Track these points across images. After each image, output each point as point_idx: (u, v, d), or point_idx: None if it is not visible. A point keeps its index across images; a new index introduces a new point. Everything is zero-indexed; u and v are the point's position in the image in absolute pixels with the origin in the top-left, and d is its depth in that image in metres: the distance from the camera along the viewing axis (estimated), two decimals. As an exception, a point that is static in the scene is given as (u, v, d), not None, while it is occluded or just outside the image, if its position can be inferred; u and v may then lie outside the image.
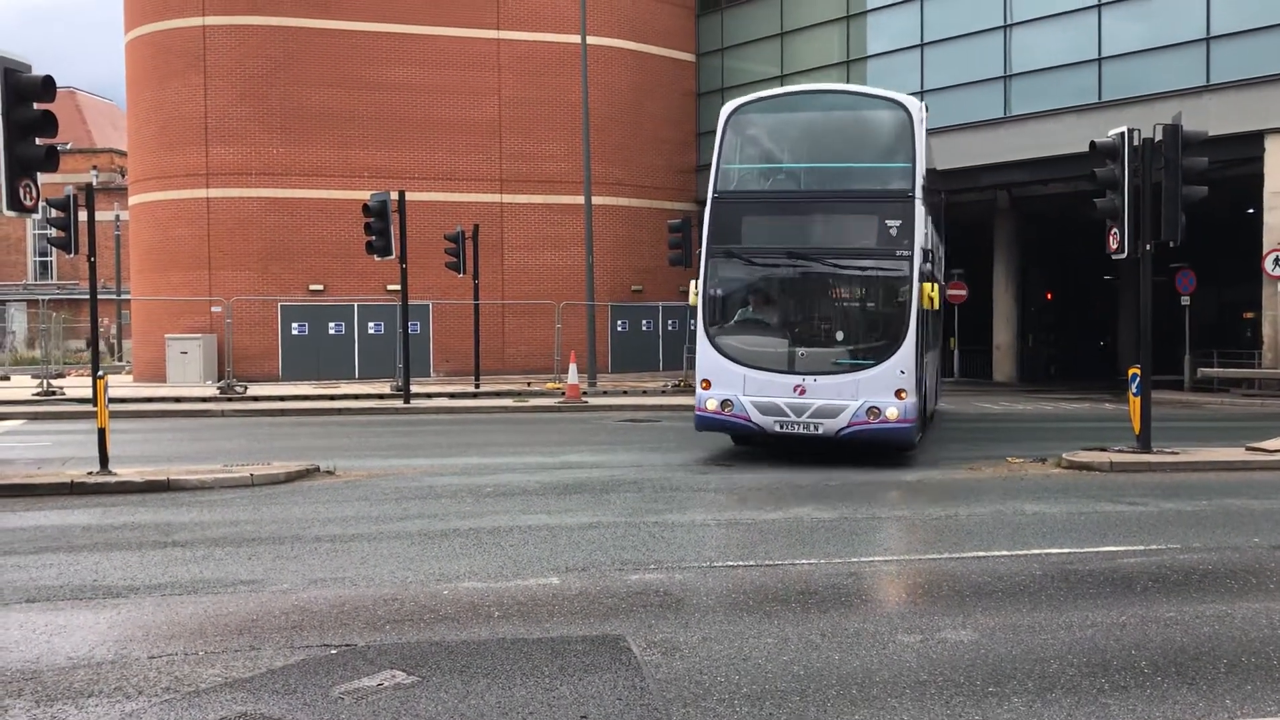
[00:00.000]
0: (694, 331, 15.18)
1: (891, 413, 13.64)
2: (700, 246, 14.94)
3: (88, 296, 24.37)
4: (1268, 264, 26.08)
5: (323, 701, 5.33)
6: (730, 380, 14.29)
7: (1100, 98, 28.58)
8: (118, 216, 43.63)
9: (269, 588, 7.56)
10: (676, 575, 7.93)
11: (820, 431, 13.86)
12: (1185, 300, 30.67)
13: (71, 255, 23.64)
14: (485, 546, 8.98)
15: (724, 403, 14.29)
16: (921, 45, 32.58)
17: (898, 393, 13.67)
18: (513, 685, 5.52)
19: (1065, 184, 30.00)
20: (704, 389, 14.54)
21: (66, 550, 8.87)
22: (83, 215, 22.50)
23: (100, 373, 14.62)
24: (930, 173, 16.45)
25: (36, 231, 53.08)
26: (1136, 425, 14.60)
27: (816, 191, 15.17)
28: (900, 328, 13.89)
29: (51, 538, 9.44)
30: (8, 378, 33.01)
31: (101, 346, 47.31)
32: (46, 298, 50.14)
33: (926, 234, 14.43)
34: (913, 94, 31.88)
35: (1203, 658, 6.00)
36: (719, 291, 14.78)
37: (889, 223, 13.99)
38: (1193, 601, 7.22)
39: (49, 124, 11.85)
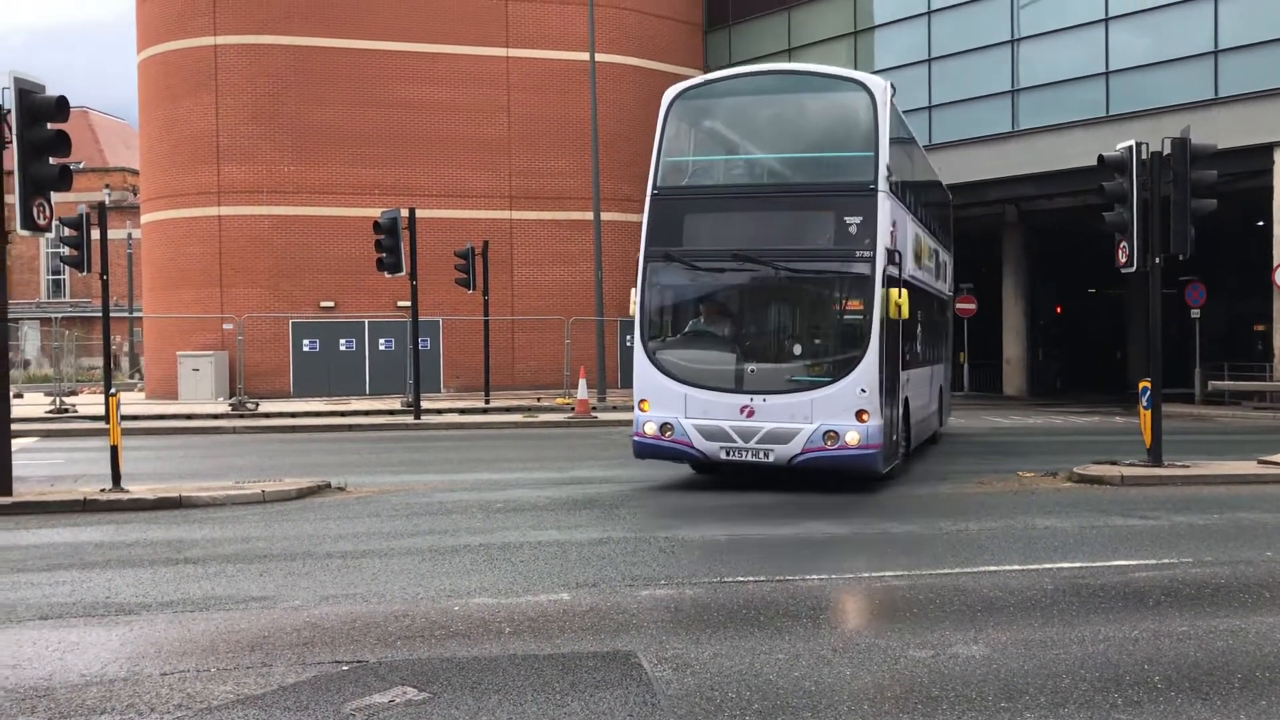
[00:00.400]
0: None
1: (851, 437, 12.14)
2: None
3: (100, 314, 24.50)
4: (1278, 276, 26.01)
5: (334, 718, 5.34)
6: (670, 401, 12.84)
7: (1108, 111, 28.58)
8: (130, 235, 43.85)
9: (280, 604, 7.58)
10: (687, 591, 7.93)
11: (771, 459, 12.43)
12: (1195, 313, 30.59)
13: (84, 273, 23.79)
14: (496, 562, 8.98)
15: (664, 426, 12.86)
16: (929, 60, 32.64)
17: (858, 414, 12.16)
18: (524, 702, 5.52)
19: (1073, 198, 30.00)
20: (642, 410, 13.10)
21: (79, 567, 8.90)
22: (95, 234, 22.62)
23: (112, 390, 14.68)
24: (905, 163, 15.23)
25: (50, 250, 53.35)
26: (1147, 439, 14.55)
27: (764, 185, 13.77)
28: (861, 340, 12.36)
29: (64, 555, 9.47)
30: (21, 395, 33.12)
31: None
32: (59, 316, 50.34)
33: (893, 233, 12.92)
34: (920, 109, 32.49)
35: (1216, 673, 5.98)
36: (657, 300, 13.35)
37: (848, 219, 12.45)
38: (1206, 616, 7.18)
39: (62, 144, 11.95)
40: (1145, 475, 14.02)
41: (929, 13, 32.59)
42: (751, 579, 8.33)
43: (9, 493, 12.15)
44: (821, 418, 12.24)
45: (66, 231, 22.40)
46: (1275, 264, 26.11)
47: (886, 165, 12.64)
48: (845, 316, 12.87)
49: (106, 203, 35.44)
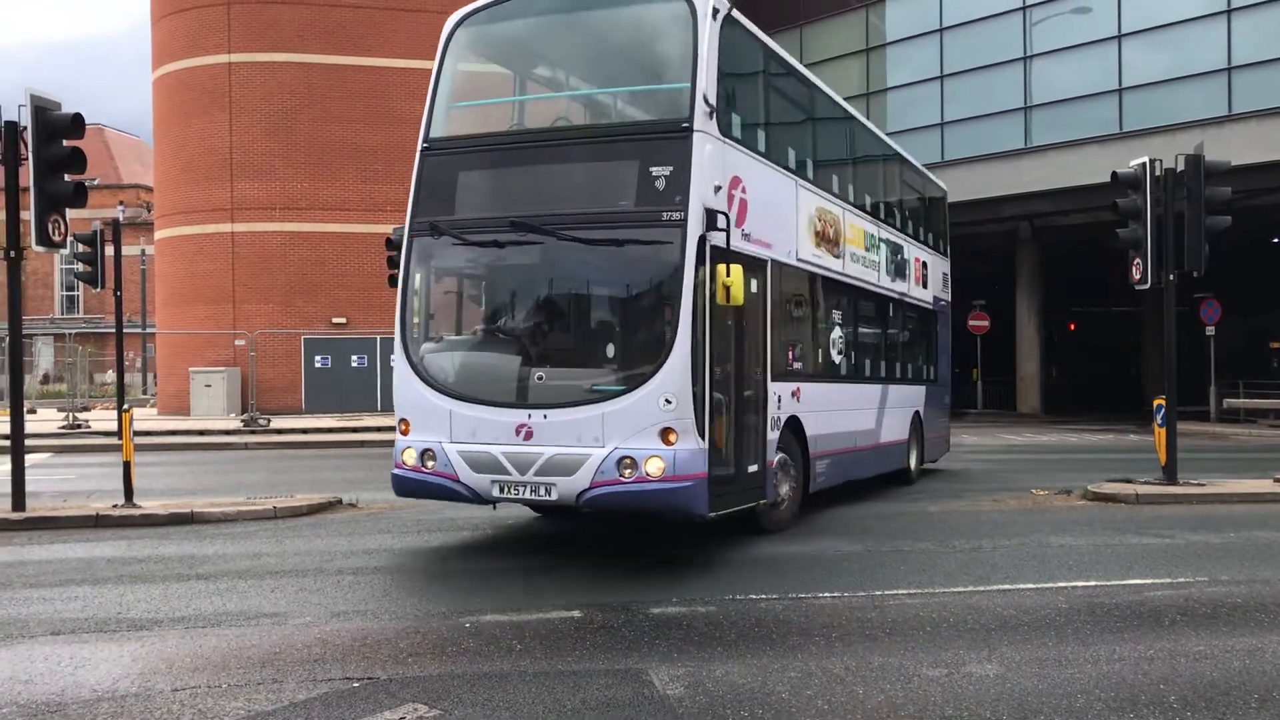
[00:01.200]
0: None
1: (653, 466, 8.90)
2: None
3: (114, 330, 24.61)
4: (1293, 293, 25.91)
5: (345, 735, 5.32)
6: (434, 420, 9.69)
7: (1121, 128, 28.57)
8: (144, 251, 44.13)
9: (291, 620, 7.57)
10: (699, 608, 7.89)
11: (554, 496, 9.26)
12: (1210, 330, 30.47)
13: (98, 290, 23.87)
14: (508, 578, 8.96)
15: (425, 453, 9.72)
16: (941, 77, 32.69)
17: (664, 434, 8.94)
18: (534, 719, 5.49)
19: (1087, 214, 29.96)
20: (402, 434, 9.96)
21: (91, 583, 8.91)
22: (109, 250, 22.70)
23: (125, 406, 14.73)
24: (784, 106, 12.40)
25: (64, 266, 53.75)
26: (1162, 456, 14.48)
27: (552, 131, 10.58)
28: (665, 333, 9.14)
29: (76, 570, 9.49)
30: (34, 411, 33.26)
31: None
32: (73, 331, 50.62)
33: (727, 190, 9.75)
34: (933, 126, 32.50)
35: (1233, 693, 5.92)
36: (421, 285, 10.39)
37: (654, 171, 9.36)
38: (1222, 635, 7.12)
39: (78, 161, 12.02)
40: (1160, 493, 13.95)
41: (941, 30, 32.66)
42: (762, 597, 8.29)
43: (22, 508, 12.19)
44: (616, 439, 9.03)
45: (81, 248, 22.46)
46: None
47: (705, 97, 9.45)
48: (646, 301, 9.82)
49: (121, 219, 35.67)
